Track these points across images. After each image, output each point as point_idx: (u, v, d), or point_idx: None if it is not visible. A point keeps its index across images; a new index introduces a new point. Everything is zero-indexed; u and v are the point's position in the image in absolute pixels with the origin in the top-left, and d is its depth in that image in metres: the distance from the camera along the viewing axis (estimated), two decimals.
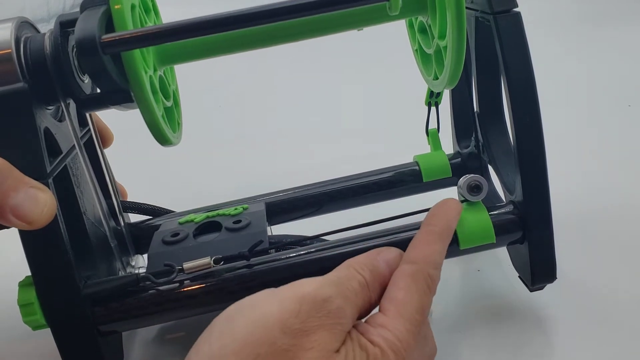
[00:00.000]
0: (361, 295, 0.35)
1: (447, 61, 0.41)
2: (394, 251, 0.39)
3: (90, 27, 0.35)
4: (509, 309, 0.47)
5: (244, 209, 0.50)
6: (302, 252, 0.43)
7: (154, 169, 0.74)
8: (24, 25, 0.41)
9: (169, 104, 0.44)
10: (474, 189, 0.43)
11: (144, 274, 0.42)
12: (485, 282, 0.50)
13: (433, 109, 0.53)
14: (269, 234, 0.49)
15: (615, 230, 0.55)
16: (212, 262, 0.42)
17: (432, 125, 0.54)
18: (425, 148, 0.55)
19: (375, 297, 0.36)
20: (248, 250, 0.42)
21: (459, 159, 0.54)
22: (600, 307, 0.46)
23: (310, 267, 0.42)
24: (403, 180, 0.53)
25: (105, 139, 0.50)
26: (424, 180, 0.52)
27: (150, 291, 0.42)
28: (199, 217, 0.49)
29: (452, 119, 0.55)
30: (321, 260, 0.42)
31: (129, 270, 0.47)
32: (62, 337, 0.41)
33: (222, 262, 0.42)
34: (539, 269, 0.43)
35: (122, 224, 0.48)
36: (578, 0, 1.08)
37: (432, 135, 0.54)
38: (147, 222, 0.53)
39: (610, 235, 0.54)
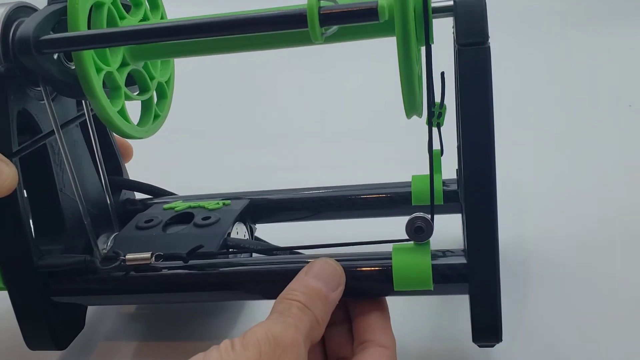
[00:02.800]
0: (305, 318, 0.37)
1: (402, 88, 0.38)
2: (318, 263, 0.40)
3: (29, 26, 0.37)
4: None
5: (225, 204, 0.51)
6: (235, 264, 0.43)
7: (165, 159, 0.75)
8: (21, 9, 0.44)
9: (145, 97, 0.45)
10: (417, 230, 0.40)
11: (90, 258, 0.44)
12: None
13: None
14: (241, 234, 0.49)
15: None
16: (152, 258, 0.43)
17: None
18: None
19: (319, 313, 0.37)
20: (187, 253, 0.43)
21: (455, 186, 0.50)
22: None
23: (240, 279, 0.43)
24: (393, 201, 0.51)
25: (125, 154, 0.53)
26: (412, 204, 0.50)
27: (96, 274, 0.44)
28: (182, 206, 0.51)
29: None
30: (251, 274, 0.43)
31: (101, 247, 0.49)
32: (15, 301, 0.45)
33: (162, 260, 0.43)
34: (480, 327, 0.40)
35: (109, 201, 0.51)
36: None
37: (435, 157, 0.51)
38: (147, 200, 0.55)
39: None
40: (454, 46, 0.39)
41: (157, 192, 0.55)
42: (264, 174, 0.67)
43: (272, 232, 0.54)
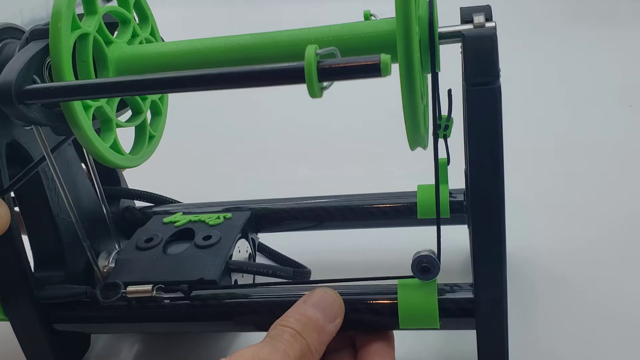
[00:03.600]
0: (296, 345, 0.36)
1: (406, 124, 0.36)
2: (318, 292, 0.39)
3: (10, 74, 0.35)
4: None
5: (226, 218, 0.50)
6: (238, 295, 0.43)
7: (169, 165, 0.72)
8: (6, 30, 0.42)
9: (138, 121, 0.43)
10: (424, 270, 0.39)
11: (91, 289, 0.44)
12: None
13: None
14: (243, 250, 0.48)
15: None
16: (153, 291, 0.43)
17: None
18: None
19: (312, 343, 0.37)
20: (188, 286, 0.43)
21: (462, 199, 0.49)
22: None
23: (242, 310, 0.43)
24: (398, 211, 0.49)
25: None
26: (418, 217, 0.48)
27: (96, 305, 0.44)
28: (182, 220, 0.50)
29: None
30: (254, 305, 0.42)
31: (102, 264, 0.49)
32: (17, 331, 0.45)
33: (162, 292, 0.43)
34: None
35: (107, 217, 0.50)
36: None
37: (441, 167, 0.49)
38: (146, 209, 0.54)
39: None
40: (463, 84, 0.36)
41: (156, 200, 0.54)
42: (266, 181, 0.66)
43: (275, 241, 0.53)
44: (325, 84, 0.32)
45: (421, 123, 0.36)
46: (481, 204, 0.36)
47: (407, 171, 0.53)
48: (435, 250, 0.39)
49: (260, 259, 0.54)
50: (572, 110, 0.73)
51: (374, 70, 0.31)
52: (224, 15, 1.09)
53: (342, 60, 0.31)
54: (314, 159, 0.70)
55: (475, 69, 0.35)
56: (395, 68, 0.35)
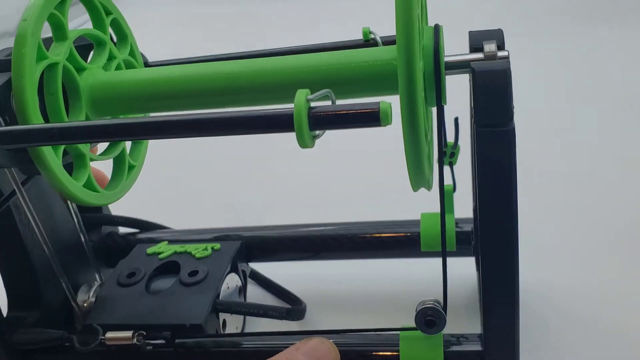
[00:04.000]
0: None
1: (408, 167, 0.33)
2: (312, 341, 0.36)
3: None
4: None
5: (214, 249, 0.46)
6: (224, 344, 0.40)
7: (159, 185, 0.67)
8: None
9: (114, 153, 0.40)
10: (429, 323, 0.35)
11: (67, 335, 0.40)
12: None
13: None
14: (232, 285, 0.45)
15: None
16: (134, 338, 0.39)
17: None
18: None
19: None
20: (172, 333, 0.40)
21: (469, 229, 0.45)
22: None
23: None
24: (399, 242, 0.46)
25: (100, 184, 0.48)
26: (422, 249, 0.45)
27: (73, 351, 0.41)
28: (167, 251, 0.47)
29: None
30: (242, 355, 0.39)
31: (82, 299, 0.45)
32: None
33: (143, 339, 0.40)
34: None
35: (86, 248, 0.47)
36: None
37: (447, 195, 0.46)
38: (129, 236, 0.51)
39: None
40: (472, 124, 0.33)
41: (140, 225, 0.51)
42: (257, 204, 0.62)
43: (268, 269, 0.50)
44: (317, 132, 0.29)
45: (425, 165, 0.33)
46: (493, 255, 0.33)
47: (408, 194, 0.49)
48: (441, 300, 0.36)
49: (252, 288, 0.50)
50: (572, 109, 0.71)
51: (372, 120, 0.27)
52: (224, 15, 1.05)
53: (336, 107, 0.28)
54: (309, 181, 0.65)
55: (486, 108, 0.31)
56: (395, 98, 0.32)
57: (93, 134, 0.30)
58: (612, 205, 0.55)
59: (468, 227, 0.45)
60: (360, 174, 0.64)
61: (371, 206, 0.55)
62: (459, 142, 0.41)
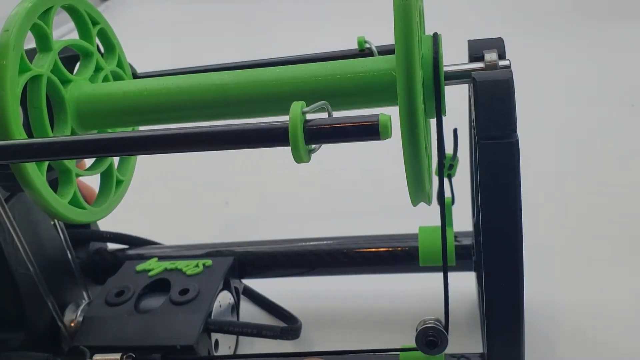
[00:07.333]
0: None
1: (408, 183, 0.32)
2: None
3: None
4: None
5: (205, 266, 0.45)
6: None
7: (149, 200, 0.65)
8: None
9: (101, 168, 0.38)
10: (430, 344, 0.34)
11: (53, 358, 0.39)
12: None
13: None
14: (225, 303, 0.44)
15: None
16: None
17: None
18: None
19: None
20: (162, 355, 0.38)
21: (469, 243, 0.44)
22: None
23: None
24: (396, 257, 0.45)
25: (88, 199, 0.46)
26: (420, 264, 0.43)
27: None
28: (157, 268, 0.45)
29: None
30: None
31: (69, 318, 0.44)
32: None
33: None
34: None
35: (74, 266, 0.45)
36: None
37: (446, 207, 0.44)
38: (118, 252, 0.49)
39: None
40: (472, 136, 0.31)
41: (129, 241, 0.49)
42: (250, 218, 0.60)
43: (261, 285, 0.48)
44: (314, 146, 0.27)
45: (426, 179, 0.31)
46: (497, 274, 0.32)
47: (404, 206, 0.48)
48: (442, 319, 0.34)
49: (246, 305, 0.49)
50: (573, 108, 0.71)
51: (371, 133, 0.26)
52: (224, 14, 1.04)
53: (333, 120, 0.26)
54: (303, 194, 0.64)
55: (488, 120, 0.30)
56: (395, 110, 0.30)
57: (79, 150, 0.29)
58: (620, 221, 0.54)
59: (467, 241, 0.44)
60: (356, 186, 0.63)
61: (367, 219, 0.53)
62: (457, 154, 0.40)
